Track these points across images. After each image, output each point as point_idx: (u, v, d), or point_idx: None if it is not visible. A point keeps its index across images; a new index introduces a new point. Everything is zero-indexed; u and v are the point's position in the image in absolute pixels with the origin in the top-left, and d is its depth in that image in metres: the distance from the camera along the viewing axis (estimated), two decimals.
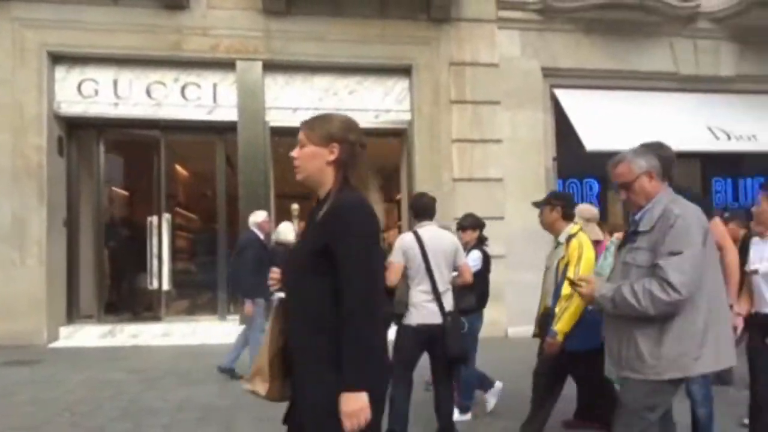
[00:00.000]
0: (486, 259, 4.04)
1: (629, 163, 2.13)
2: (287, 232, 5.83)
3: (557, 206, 3.16)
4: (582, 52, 7.84)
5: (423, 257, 3.20)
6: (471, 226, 4.08)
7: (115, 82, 7.17)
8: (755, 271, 2.82)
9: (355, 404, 1.34)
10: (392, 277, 3.19)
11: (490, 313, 7.88)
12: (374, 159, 9.98)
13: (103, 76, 7.15)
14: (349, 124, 1.59)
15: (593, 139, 7.31)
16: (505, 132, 7.65)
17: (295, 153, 1.58)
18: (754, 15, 7.98)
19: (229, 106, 7.27)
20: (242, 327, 5.57)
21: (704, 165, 8.33)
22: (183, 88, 7.26)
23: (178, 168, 7.95)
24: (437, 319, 3.15)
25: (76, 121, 7.27)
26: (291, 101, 7.47)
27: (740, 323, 2.75)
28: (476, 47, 7.61)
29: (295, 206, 8.72)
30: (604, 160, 8.22)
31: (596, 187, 8.18)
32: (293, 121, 7.46)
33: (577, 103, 7.78)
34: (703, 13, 8.10)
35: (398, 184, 8.04)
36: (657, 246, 1.96)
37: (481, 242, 4.10)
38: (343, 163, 1.53)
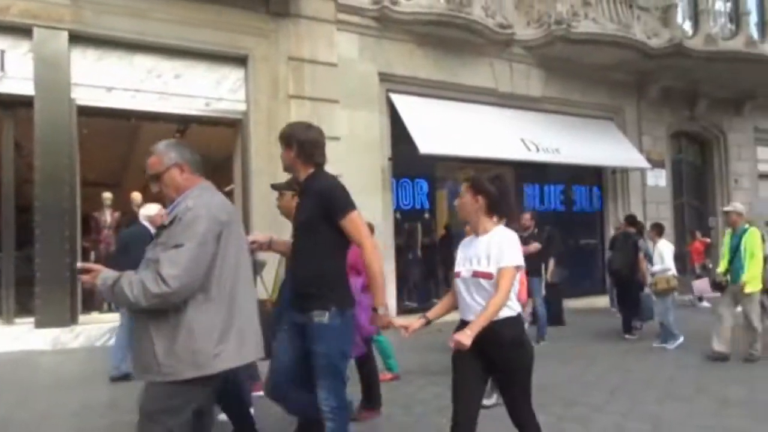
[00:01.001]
0: None
1: (160, 155, 2.12)
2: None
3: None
4: (415, 62, 8.59)
5: None
6: None
7: None
8: (457, 275, 2.43)
9: None
10: None
11: None
12: (202, 147, 9.58)
13: None
14: None
15: (426, 143, 8.04)
16: (343, 130, 7.98)
17: None
18: (557, 48, 9.59)
19: (21, 78, 6.39)
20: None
21: (517, 172, 9.66)
22: None
23: None
24: None
25: None
26: (105, 79, 6.84)
27: (411, 328, 2.41)
28: (315, 45, 7.83)
29: (107, 194, 8.00)
30: (435, 162, 9.13)
31: (426, 187, 8.99)
32: (109, 101, 6.88)
33: (411, 109, 8.48)
34: (517, 41, 9.48)
35: (230, 175, 7.88)
36: (169, 240, 1.96)
37: None
38: None
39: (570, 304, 9.80)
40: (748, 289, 5.56)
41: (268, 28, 7.58)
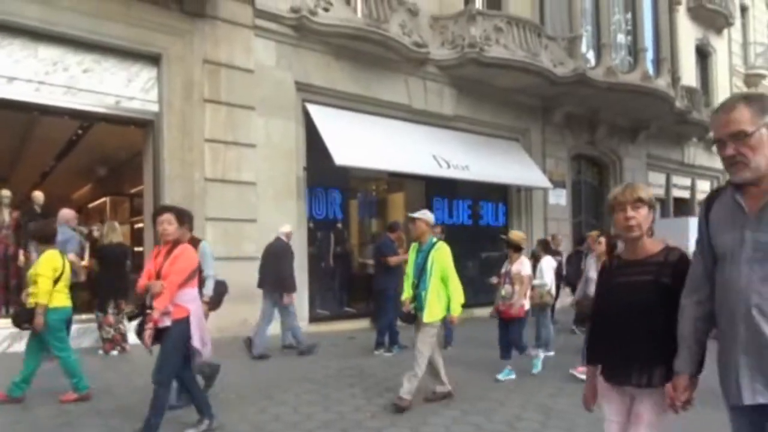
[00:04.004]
0: None
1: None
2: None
3: None
4: (332, 74, 9.55)
5: None
6: None
7: None
8: None
9: None
10: None
11: (241, 311, 8.51)
12: (110, 147, 9.89)
13: None
14: None
15: (341, 154, 8.96)
16: (259, 137, 8.72)
17: None
18: (469, 69, 10.98)
19: None
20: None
21: (428, 186, 10.88)
22: None
23: None
24: None
25: None
26: (5, 69, 7.11)
27: None
28: (232, 50, 8.54)
29: (5, 192, 8.10)
30: (348, 173, 10.22)
31: (339, 197, 9.93)
32: (9, 92, 7.15)
33: (327, 119, 9.41)
34: (432, 60, 10.77)
35: (139, 176, 8.28)
36: None
37: None
38: None
39: (477, 312, 11.13)
40: (427, 319, 4.83)
41: (183, 28, 8.15)
